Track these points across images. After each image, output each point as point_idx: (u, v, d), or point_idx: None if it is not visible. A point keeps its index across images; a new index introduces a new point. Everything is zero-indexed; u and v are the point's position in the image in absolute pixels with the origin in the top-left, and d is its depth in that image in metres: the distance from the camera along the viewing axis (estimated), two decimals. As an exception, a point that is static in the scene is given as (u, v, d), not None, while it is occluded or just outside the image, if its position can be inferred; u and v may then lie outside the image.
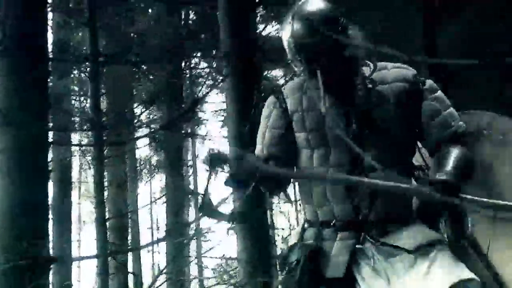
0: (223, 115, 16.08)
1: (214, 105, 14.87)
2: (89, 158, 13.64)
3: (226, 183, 2.71)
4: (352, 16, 2.93)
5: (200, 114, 14.68)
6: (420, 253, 2.59)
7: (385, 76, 2.77)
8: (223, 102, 13.44)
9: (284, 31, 2.74)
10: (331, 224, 2.76)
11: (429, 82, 2.80)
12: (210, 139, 15.92)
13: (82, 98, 12.34)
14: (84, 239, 20.42)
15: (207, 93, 9.75)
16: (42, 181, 4.66)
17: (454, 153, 2.64)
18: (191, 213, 17.68)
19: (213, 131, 17.22)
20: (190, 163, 17.54)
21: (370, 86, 2.75)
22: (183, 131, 13.03)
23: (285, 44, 2.76)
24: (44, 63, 5.43)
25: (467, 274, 2.55)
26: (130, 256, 12.91)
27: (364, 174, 2.62)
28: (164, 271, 10.37)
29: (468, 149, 2.71)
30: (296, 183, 3.11)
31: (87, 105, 10.95)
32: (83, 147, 12.02)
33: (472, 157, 2.71)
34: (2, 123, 4.75)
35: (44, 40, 5.42)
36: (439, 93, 2.79)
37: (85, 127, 9.35)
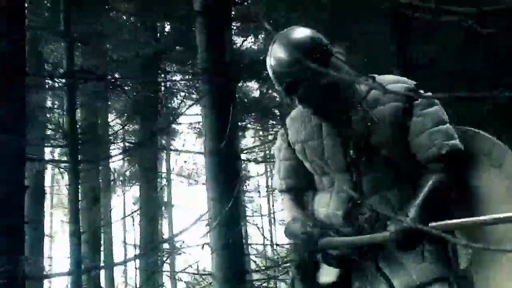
0: (198, 128, 16.11)
1: (189, 117, 14.85)
2: (61, 169, 13.50)
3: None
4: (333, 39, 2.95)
5: (175, 126, 14.65)
6: None
7: (380, 97, 2.70)
8: (198, 114, 13.46)
9: (267, 59, 2.71)
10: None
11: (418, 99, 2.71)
12: (185, 152, 15.98)
13: (56, 112, 12.21)
14: (56, 253, 20.11)
15: (187, 109, 9.75)
16: (19, 198, 4.62)
17: (424, 192, 2.58)
18: (165, 226, 17.61)
19: (188, 142, 17.13)
20: (164, 175, 17.46)
21: (365, 109, 2.70)
22: (158, 144, 13.01)
23: (269, 72, 2.74)
24: (22, 78, 5.40)
25: None
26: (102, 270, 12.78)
27: (364, 198, 2.66)
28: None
29: (456, 170, 2.66)
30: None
31: (62, 119, 10.90)
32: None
33: (446, 189, 2.65)
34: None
35: (22, 56, 5.39)
36: (433, 108, 2.68)
37: (60, 142, 9.32)
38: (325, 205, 2.80)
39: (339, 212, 2.73)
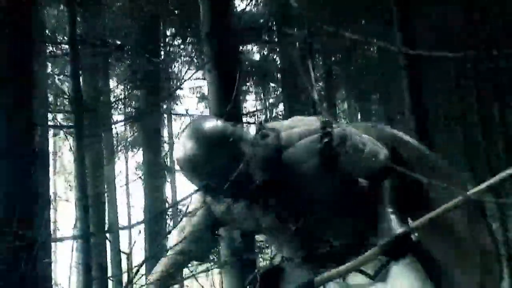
0: (200, 92, 16.19)
1: (192, 82, 14.91)
2: (67, 134, 13.60)
3: None
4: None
5: (178, 91, 14.71)
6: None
7: (294, 157, 2.58)
8: (200, 78, 13.52)
9: (180, 152, 2.54)
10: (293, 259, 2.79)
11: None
12: (189, 116, 16.03)
13: (60, 79, 12.27)
14: (59, 218, 20.34)
15: (192, 74, 9.79)
16: (30, 166, 4.72)
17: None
18: (167, 190, 17.75)
19: (191, 107, 17.18)
20: (166, 139, 17.54)
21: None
22: (161, 110, 13.08)
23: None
24: (30, 43, 5.44)
25: None
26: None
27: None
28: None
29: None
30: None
31: (66, 85, 10.99)
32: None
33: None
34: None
35: (30, 21, 5.42)
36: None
37: (65, 107, 9.41)
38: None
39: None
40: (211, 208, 2.79)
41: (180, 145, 2.52)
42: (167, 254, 2.83)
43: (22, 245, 3.42)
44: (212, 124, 2.53)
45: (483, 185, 2.17)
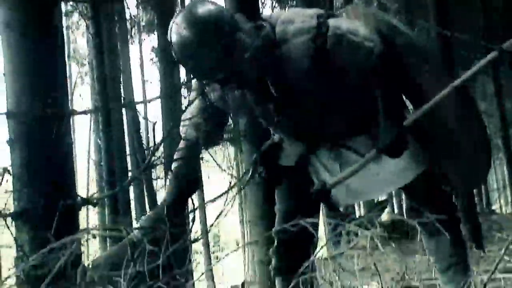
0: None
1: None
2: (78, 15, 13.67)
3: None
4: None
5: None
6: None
7: (289, 48, 2.60)
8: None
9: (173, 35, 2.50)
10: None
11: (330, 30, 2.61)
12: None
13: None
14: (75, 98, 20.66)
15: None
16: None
17: (381, 101, 2.64)
18: (182, 72, 18.03)
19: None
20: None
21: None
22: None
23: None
24: None
25: None
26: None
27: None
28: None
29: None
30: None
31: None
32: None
33: (394, 91, 2.72)
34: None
35: None
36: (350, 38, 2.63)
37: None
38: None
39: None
40: (207, 94, 2.80)
41: (174, 29, 2.47)
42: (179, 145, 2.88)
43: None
44: (208, 8, 2.47)
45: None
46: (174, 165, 2.84)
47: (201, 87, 2.79)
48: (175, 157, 2.85)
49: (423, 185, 2.91)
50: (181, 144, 2.86)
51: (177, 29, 2.44)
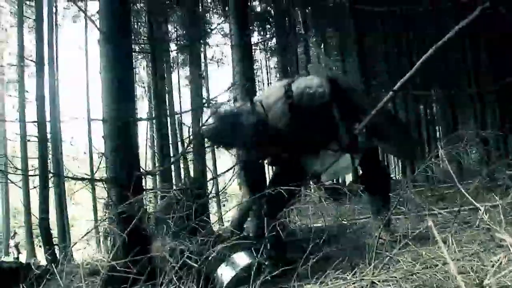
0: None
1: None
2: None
3: None
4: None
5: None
6: None
7: (273, 117, 2.69)
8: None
9: None
10: None
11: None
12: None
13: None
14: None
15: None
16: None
17: (339, 120, 2.73)
18: (204, 93, 17.98)
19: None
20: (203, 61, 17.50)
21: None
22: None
23: None
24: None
25: None
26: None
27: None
28: None
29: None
30: None
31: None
32: None
33: None
34: None
35: None
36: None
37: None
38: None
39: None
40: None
41: (208, 127, 2.58)
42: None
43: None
44: (230, 111, 2.63)
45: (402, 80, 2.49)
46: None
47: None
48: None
49: (365, 169, 3.01)
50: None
51: (211, 127, 2.57)
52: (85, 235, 2.59)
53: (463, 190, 2.22)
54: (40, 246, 7.55)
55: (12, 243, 16.18)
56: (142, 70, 16.23)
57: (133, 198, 2.38)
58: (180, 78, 18.52)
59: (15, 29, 12.32)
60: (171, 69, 15.62)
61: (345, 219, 4.00)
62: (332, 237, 2.78)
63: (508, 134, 9.21)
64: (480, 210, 2.04)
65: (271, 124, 2.64)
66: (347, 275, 2.16)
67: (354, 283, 2.06)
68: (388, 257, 2.23)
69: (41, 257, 7.87)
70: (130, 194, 2.42)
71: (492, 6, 2.10)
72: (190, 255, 2.15)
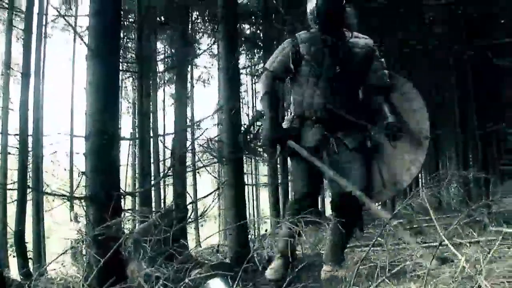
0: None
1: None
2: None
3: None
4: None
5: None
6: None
7: (358, 43, 3.00)
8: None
9: (310, 3, 2.98)
10: (312, 118, 3.00)
11: (377, 51, 3.06)
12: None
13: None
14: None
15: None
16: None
17: (386, 105, 2.99)
18: (189, 113, 17.87)
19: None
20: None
21: (349, 46, 2.97)
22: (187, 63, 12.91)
23: (309, 10, 3.00)
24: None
25: None
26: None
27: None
28: None
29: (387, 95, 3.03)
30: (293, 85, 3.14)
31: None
32: None
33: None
34: None
35: None
36: (382, 59, 3.06)
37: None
38: (309, 96, 3.00)
39: (321, 101, 2.97)
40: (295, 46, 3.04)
41: None
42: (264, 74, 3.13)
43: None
44: None
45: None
46: (265, 82, 3.07)
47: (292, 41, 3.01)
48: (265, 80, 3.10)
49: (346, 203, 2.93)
50: (268, 74, 3.08)
51: None
52: (59, 255, 2.50)
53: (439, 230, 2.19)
54: (14, 256, 7.29)
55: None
56: (129, 86, 16.07)
57: (111, 220, 2.32)
58: (165, 95, 18.44)
59: (2, 36, 12.07)
60: (157, 87, 15.49)
61: (323, 248, 3.94)
62: (311, 265, 2.73)
63: (490, 175, 9.49)
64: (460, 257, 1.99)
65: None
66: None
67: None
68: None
69: (14, 267, 7.59)
70: (108, 215, 2.36)
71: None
72: (165, 282, 2.09)
